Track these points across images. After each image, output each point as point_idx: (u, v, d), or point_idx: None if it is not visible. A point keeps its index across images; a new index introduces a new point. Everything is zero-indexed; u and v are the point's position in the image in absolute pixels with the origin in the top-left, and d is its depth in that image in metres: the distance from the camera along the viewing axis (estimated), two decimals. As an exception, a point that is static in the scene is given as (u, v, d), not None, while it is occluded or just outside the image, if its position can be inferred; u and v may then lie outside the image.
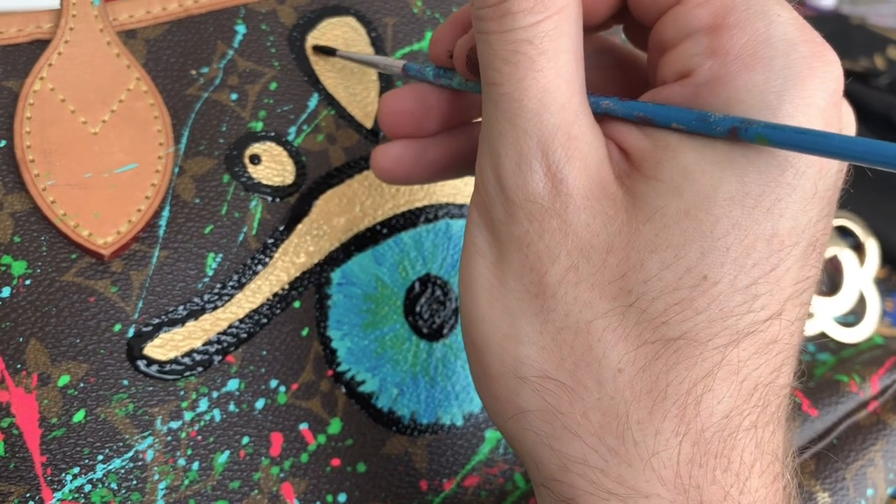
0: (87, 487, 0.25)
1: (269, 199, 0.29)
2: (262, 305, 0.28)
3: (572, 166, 0.19)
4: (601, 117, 0.20)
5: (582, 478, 0.19)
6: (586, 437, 0.19)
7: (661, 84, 0.20)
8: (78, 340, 0.26)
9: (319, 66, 0.31)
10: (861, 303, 0.42)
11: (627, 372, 0.18)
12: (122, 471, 0.26)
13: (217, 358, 0.27)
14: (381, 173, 0.26)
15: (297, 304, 0.29)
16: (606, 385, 0.19)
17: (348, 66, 0.31)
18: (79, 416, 0.25)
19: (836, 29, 0.84)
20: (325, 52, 0.31)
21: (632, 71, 0.24)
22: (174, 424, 0.26)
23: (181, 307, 0.27)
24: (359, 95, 0.31)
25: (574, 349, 0.19)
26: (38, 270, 0.26)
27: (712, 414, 0.18)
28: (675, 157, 0.18)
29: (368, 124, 0.31)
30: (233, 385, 0.27)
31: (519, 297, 0.20)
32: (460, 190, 0.32)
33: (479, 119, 0.26)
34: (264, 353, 0.28)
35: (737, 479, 0.18)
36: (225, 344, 0.27)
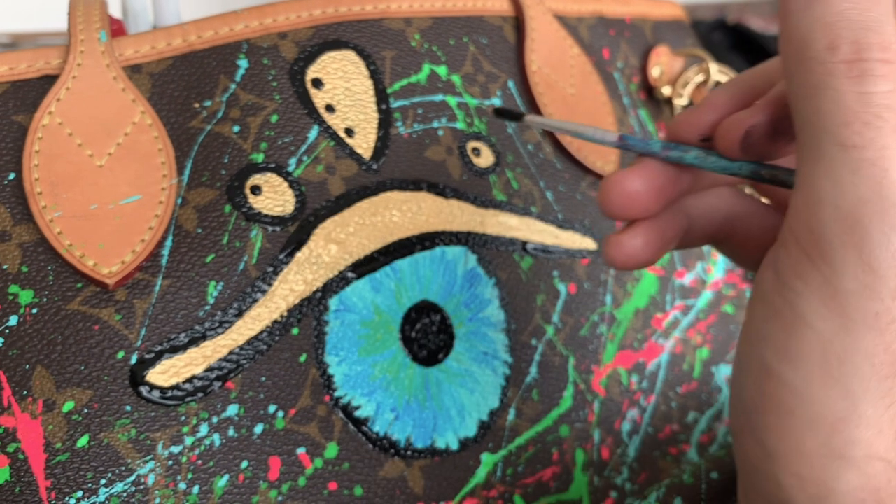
0: (90, 511, 0.26)
1: (269, 228, 0.30)
2: (261, 332, 0.29)
3: None
4: None
5: None
6: None
7: None
8: (82, 367, 0.27)
9: (319, 98, 0.32)
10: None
11: None
12: (125, 494, 0.26)
13: (217, 384, 0.28)
14: (621, 264, 0.24)
15: (295, 330, 0.29)
16: None
17: (348, 97, 0.32)
18: (83, 441, 0.26)
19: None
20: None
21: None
22: (175, 449, 0.27)
23: (183, 334, 0.28)
24: (359, 126, 0.32)
25: None
26: (45, 299, 0.27)
27: None
28: None
29: (367, 155, 0.32)
30: (232, 410, 0.28)
31: (866, 378, 0.19)
32: (456, 217, 0.33)
33: (692, 192, 0.26)
34: (263, 379, 0.29)
35: None
36: (225, 370, 0.28)
